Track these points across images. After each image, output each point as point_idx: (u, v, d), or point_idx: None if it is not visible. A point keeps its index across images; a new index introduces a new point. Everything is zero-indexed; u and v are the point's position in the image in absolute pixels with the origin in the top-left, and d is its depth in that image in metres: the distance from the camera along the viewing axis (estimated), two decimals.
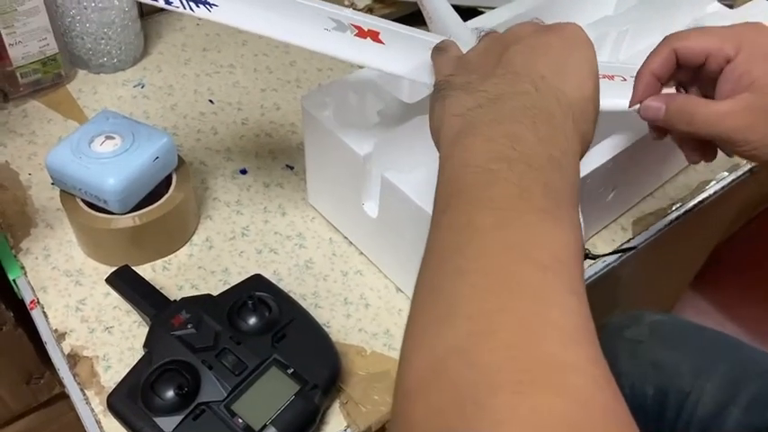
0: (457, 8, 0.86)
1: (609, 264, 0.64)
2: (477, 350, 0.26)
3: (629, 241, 0.66)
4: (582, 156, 0.38)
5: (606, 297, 0.83)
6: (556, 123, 0.35)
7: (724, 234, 1.28)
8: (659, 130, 0.49)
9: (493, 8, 0.71)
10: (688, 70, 0.47)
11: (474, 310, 0.27)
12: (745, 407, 0.62)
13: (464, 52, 0.43)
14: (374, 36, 0.46)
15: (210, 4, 0.42)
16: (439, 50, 0.44)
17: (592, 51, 0.39)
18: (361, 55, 0.46)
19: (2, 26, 0.67)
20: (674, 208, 0.69)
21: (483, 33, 0.42)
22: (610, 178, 0.60)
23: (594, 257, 0.44)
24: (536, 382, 0.25)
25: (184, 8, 0.42)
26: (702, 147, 0.49)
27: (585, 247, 0.41)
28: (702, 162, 0.49)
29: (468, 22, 0.68)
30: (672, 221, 0.69)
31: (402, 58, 0.47)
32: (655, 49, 0.47)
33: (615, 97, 0.50)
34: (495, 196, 0.31)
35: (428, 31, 0.63)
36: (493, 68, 0.38)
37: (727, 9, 0.74)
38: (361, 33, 0.46)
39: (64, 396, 0.71)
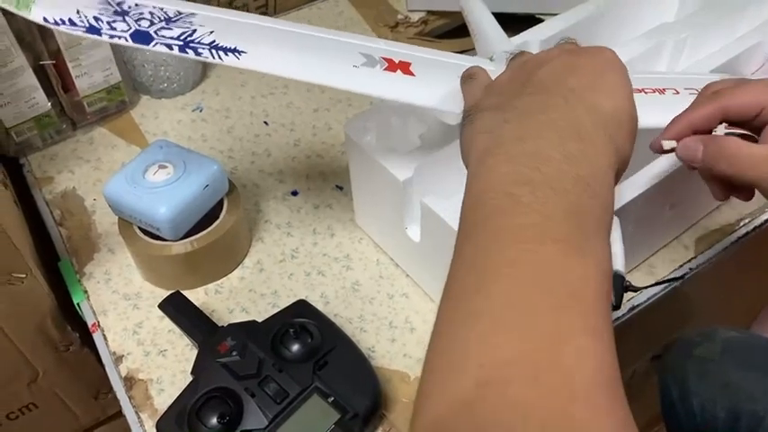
0: (515, 16, 0.85)
1: (668, 285, 0.62)
2: (483, 406, 0.26)
3: (690, 261, 0.63)
4: (619, 171, 0.37)
5: (674, 314, 0.80)
6: (585, 136, 0.33)
7: None
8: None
9: (554, 14, 0.69)
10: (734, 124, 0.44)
11: (485, 359, 0.27)
12: None
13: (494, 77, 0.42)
14: (405, 68, 0.46)
15: (239, 52, 0.43)
16: (467, 78, 0.43)
17: (625, 75, 0.37)
18: (390, 90, 0.46)
19: (68, 59, 0.71)
20: (741, 224, 0.66)
21: (511, 57, 0.41)
22: (666, 195, 0.57)
23: (636, 290, 0.42)
24: None
25: (213, 58, 0.43)
26: (732, 187, 0.45)
27: (627, 279, 0.40)
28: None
29: (523, 33, 0.66)
30: (740, 238, 0.65)
31: (433, 88, 0.46)
32: (699, 101, 0.43)
33: (667, 111, 0.47)
34: (515, 226, 0.30)
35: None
36: (522, 88, 0.37)
37: None
38: (392, 66, 0.46)
39: None
